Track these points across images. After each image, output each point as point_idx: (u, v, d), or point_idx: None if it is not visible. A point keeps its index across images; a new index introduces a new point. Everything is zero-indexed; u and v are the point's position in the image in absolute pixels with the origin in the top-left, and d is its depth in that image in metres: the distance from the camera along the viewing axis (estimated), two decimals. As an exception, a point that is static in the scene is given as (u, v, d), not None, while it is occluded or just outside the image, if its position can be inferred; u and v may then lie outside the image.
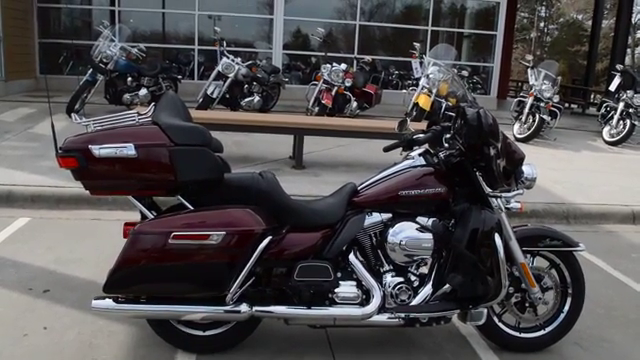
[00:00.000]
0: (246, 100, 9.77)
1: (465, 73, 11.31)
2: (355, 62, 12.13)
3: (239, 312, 2.65)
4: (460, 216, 2.77)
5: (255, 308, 2.67)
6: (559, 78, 9.95)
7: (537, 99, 9.41)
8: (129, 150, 2.44)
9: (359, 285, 2.75)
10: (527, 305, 3.02)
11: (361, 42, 13.82)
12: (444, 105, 8.94)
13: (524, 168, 2.87)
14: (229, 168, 2.80)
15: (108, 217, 4.84)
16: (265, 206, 2.65)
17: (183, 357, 2.83)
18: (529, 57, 10.54)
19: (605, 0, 19.19)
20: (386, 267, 2.80)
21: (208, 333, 2.84)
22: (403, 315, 2.75)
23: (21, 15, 11.67)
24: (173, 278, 2.59)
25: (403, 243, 2.74)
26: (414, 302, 2.77)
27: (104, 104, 9.26)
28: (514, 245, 2.89)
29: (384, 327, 3.03)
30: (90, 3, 14.10)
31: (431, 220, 2.79)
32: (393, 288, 2.75)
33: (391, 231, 2.75)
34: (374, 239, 2.81)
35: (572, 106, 15.78)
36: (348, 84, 9.90)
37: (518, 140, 9.01)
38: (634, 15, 24.10)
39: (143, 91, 9.35)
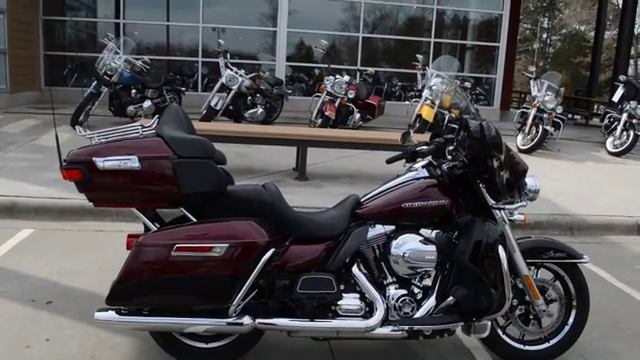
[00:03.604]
0: (249, 112, 9.81)
1: (468, 84, 11.34)
2: (358, 74, 12.19)
3: (242, 324, 2.64)
4: (463, 228, 2.76)
5: (258, 320, 2.65)
6: (562, 89, 9.95)
7: (540, 110, 9.41)
8: (133, 162, 2.45)
9: (362, 297, 2.74)
10: (531, 317, 3.00)
11: (364, 54, 13.88)
12: (447, 117, 8.95)
13: (527, 180, 2.87)
14: (232, 180, 2.81)
15: (111, 229, 4.85)
16: (268, 218, 2.65)
17: (186, 370, 2.82)
18: (532, 68, 10.58)
19: (608, 11, 19.25)
20: (389, 279, 2.79)
21: (211, 345, 2.83)
22: (406, 327, 2.73)
23: (26, 27, 11.77)
24: (176, 290, 2.59)
25: (406, 255, 2.73)
26: (417, 314, 2.75)
27: (108, 116, 9.31)
28: (518, 257, 2.88)
29: (387, 340, 3.01)
30: (95, 16, 14.22)
31: (434, 232, 2.79)
32: (396, 300, 2.74)
33: (394, 243, 2.75)
34: (377, 251, 2.80)
35: (575, 117, 15.78)
36: (351, 96, 9.93)
37: (521, 151, 9.01)
38: (637, 26, 24.14)
39: (147, 103, 9.40)
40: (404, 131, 3.14)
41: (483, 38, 15.01)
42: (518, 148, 9.24)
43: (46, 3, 12.43)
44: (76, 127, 3.00)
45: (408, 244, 2.74)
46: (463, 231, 2.76)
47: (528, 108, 9.76)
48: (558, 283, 3.06)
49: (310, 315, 2.69)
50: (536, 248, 3.00)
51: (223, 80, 9.57)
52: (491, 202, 2.79)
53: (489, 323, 2.85)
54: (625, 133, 9.90)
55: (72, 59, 13.05)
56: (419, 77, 10.91)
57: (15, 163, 6.54)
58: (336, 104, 9.70)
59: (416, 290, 2.80)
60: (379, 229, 2.79)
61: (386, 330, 2.73)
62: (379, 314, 2.70)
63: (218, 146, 2.72)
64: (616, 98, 10.66)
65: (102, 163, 2.43)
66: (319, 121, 9.69)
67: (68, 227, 4.92)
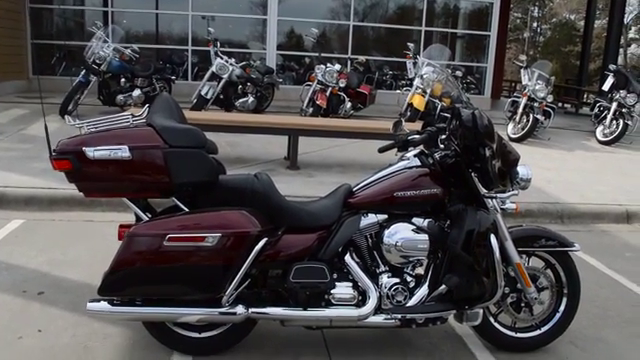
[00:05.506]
0: (240, 101, 9.76)
1: (459, 73, 11.33)
2: (349, 62, 12.13)
3: (235, 314, 2.64)
4: (455, 217, 2.77)
5: (251, 310, 2.66)
6: (552, 78, 9.97)
7: (531, 99, 9.44)
8: (123, 152, 2.43)
9: (355, 286, 2.75)
10: (523, 305, 3.03)
11: (355, 42, 13.82)
12: (439, 106, 8.95)
13: (519, 169, 2.88)
14: (224, 169, 2.80)
15: (102, 219, 4.82)
16: (260, 208, 2.64)
17: (179, 359, 2.82)
18: (522, 57, 10.56)
19: (597, 0, 19.27)
20: (382, 268, 2.80)
21: (204, 335, 2.83)
22: (399, 316, 2.74)
23: (13, 16, 11.60)
24: (168, 280, 2.58)
25: (399, 244, 2.73)
26: (410, 303, 2.77)
27: (97, 105, 9.24)
28: (510, 245, 2.89)
29: (380, 328, 3.02)
30: (83, 4, 14.04)
31: (427, 221, 2.80)
32: (389, 289, 2.75)
33: (387, 232, 2.75)
34: (370, 240, 2.80)
35: (565, 106, 15.83)
36: (342, 84, 9.89)
37: (512, 140, 9.04)
38: (626, 15, 24.21)
39: (137, 92, 9.33)
40: (396, 120, 3.13)
41: (474, 27, 14.97)
42: (509, 137, 9.26)
43: (33, -10, 12.28)
44: (65, 116, 2.98)
45: (400, 233, 2.74)
46: (455, 220, 2.76)
47: (519, 97, 9.77)
48: (549, 271, 3.09)
49: (303, 304, 2.69)
50: (527, 236, 3.02)
51: (213, 69, 9.52)
52: (483, 191, 2.80)
53: (481, 311, 2.87)
54: (615, 122, 9.95)
55: (60, 47, 12.89)
56: (410, 66, 10.87)
57: (3, 153, 6.47)
58: (327, 93, 9.66)
59: (409, 279, 2.81)
60: (371, 218, 2.79)
61: (379, 319, 2.74)
62: (372, 303, 2.71)
63: (209, 135, 2.71)
64: (606, 87, 10.71)
65: (92, 153, 2.41)
66: (310, 110, 9.65)
67: (58, 217, 4.88)
